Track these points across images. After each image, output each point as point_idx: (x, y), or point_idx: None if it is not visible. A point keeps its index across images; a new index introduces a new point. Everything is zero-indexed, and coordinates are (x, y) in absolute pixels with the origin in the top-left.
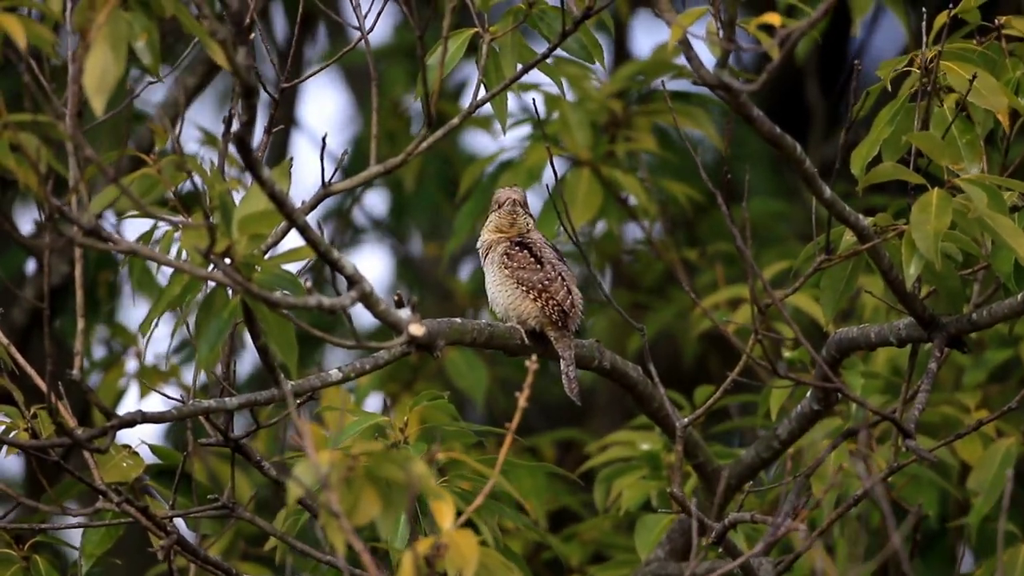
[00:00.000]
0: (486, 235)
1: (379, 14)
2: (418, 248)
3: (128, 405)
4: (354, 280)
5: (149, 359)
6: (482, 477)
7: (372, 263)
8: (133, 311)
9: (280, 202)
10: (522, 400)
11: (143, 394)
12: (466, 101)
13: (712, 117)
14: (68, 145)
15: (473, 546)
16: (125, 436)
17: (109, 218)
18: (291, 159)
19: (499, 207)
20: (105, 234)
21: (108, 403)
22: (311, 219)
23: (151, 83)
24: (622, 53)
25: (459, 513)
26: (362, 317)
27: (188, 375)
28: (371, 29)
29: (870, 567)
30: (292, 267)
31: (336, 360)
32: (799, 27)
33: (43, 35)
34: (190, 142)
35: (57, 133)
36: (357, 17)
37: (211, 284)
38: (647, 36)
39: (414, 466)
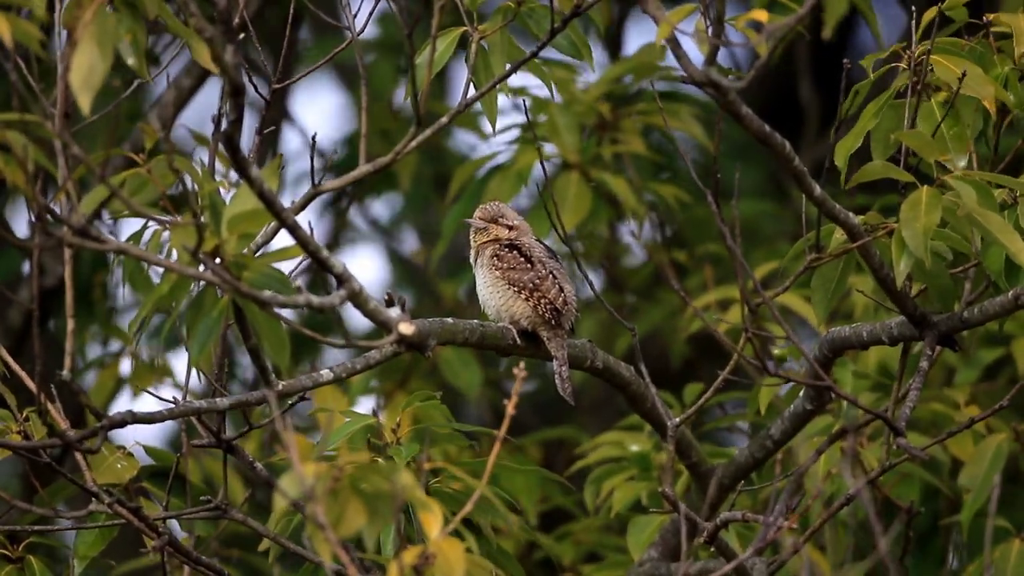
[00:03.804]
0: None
1: (369, 15)
2: (412, 245)
3: (123, 404)
4: (343, 279)
5: (143, 357)
6: (475, 478)
7: (369, 262)
8: (130, 311)
9: (269, 202)
10: (510, 408)
11: (136, 394)
12: (453, 98)
13: (699, 115)
14: (56, 144)
15: (460, 555)
16: (121, 436)
17: (105, 215)
18: (281, 156)
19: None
20: (94, 234)
21: (103, 402)
22: (302, 218)
23: (140, 82)
24: (616, 55)
25: (452, 515)
26: (359, 317)
27: (181, 372)
28: (361, 31)
29: (860, 569)
30: (285, 266)
31: (332, 359)
32: (785, 23)
33: (29, 32)
34: (186, 130)
35: (45, 132)
36: (346, 17)
37: (201, 283)
38: (641, 37)
39: (400, 477)
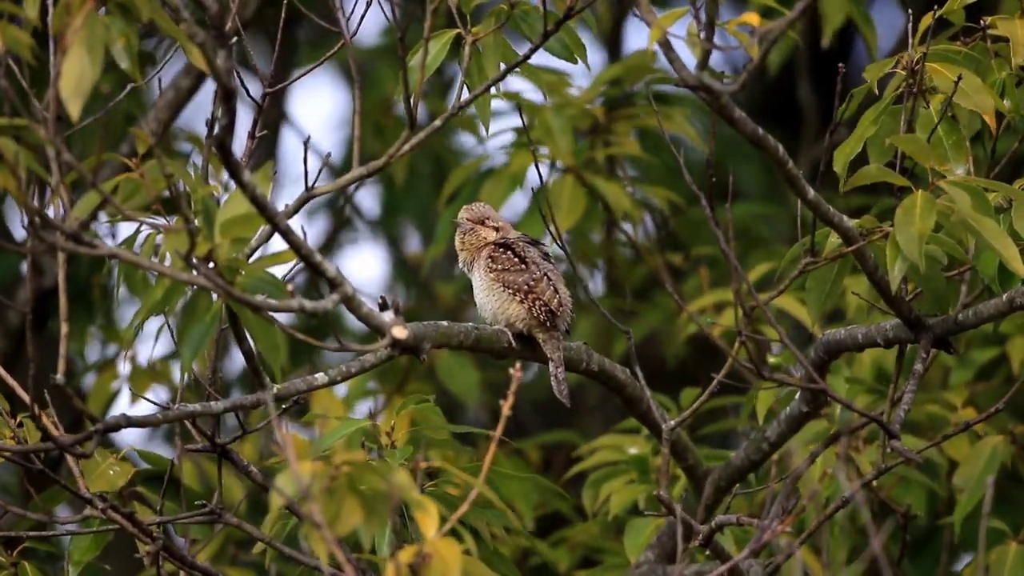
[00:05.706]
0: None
1: (361, 18)
2: (414, 246)
3: (120, 407)
4: (336, 283)
5: (140, 361)
6: (472, 479)
7: (369, 261)
8: (128, 312)
9: (262, 206)
10: (505, 409)
11: (134, 398)
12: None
13: (695, 116)
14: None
15: (456, 555)
16: (116, 440)
17: (102, 218)
18: (274, 163)
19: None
20: (87, 239)
21: (102, 405)
22: (295, 222)
23: (133, 86)
24: (616, 56)
25: (445, 519)
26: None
27: (178, 375)
28: (354, 34)
29: (855, 571)
30: (279, 269)
31: (331, 361)
32: (777, 26)
33: (20, 39)
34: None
35: (36, 138)
36: (340, 22)
37: (194, 287)
38: (640, 38)
39: (396, 476)
